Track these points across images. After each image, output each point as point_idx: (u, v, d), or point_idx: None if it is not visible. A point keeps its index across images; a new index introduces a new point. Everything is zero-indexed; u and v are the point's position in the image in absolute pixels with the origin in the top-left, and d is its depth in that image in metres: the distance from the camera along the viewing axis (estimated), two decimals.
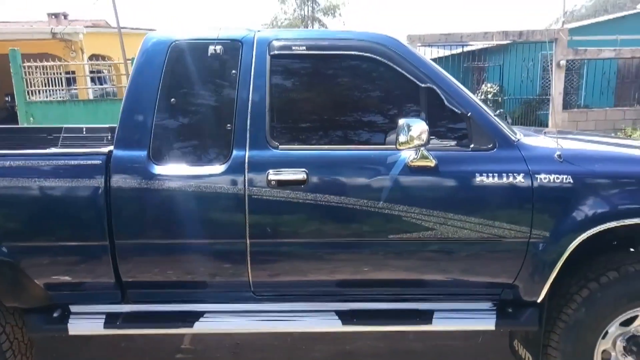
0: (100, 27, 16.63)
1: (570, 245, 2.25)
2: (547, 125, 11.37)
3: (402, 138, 2.14)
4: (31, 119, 10.35)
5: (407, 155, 2.26)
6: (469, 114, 2.33)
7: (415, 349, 3.33)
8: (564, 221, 2.25)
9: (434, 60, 13.31)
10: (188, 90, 2.41)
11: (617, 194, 2.27)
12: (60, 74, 11.34)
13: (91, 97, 11.94)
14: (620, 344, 2.40)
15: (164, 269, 2.38)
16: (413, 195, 2.27)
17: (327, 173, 2.28)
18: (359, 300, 2.48)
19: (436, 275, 2.41)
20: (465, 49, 12.87)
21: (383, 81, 2.46)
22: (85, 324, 2.43)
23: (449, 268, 2.39)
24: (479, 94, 13.42)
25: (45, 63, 10.76)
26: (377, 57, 2.36)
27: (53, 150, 2.42)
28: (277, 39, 2.42)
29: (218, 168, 2.28)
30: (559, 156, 2.30)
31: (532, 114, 12.71)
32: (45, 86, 11.04)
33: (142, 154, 2.29)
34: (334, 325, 2.42)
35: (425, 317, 2.42)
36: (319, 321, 2.43)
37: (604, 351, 2.42)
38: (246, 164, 2.27)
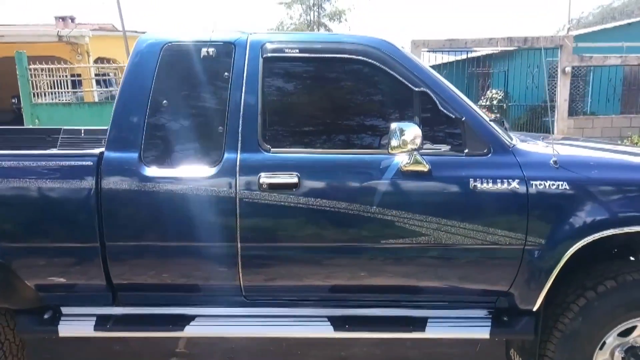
0: (107, 30, 16.78)
1: (567, 253, 2.21)
2: (552, 132, 11.30)
3: (394, 142, 2.12)
4: (37, 121, 10.42)
5: (401, 159, 2.24)
6: (463, 119, 2.30)
7: (411, 357, 3.29)
8: (560, 228, 2.21)
9: (439, 65, 13.34)
10: (180, 92, 2.40)
11: (614, 201, 2.23)
12: (66, 76, 11.42)
13: (97, 99, 12.01)
14: (618, 355, 2.35)
15: (154, 271, 2.36)
16: (406, 200, 2.24)
17: (319, 177, 2.26)
18: (351, 306, 2.45)
19: (429, 282, 2.37)
20: (470, 55, 12.83)
21: (377, 85, 2.44)
22: (76, 326, 2.42)
23: (442, 275, 2.35)
24: (484, 100, 13.38)
25: (51, 65, 10.84)
26: (371, 61, 2.34)
27: (44, 151, 2.41)
28: (270, 42, 2.41)
29: (209, 170, 2.26)
30: (555, 162, 2.26)
31: (538, 121, 12.63)
32: (51, 88, 11.12)
33: (134, 155, 2.28)
34: (326, 331, 2.39)
35: (419, 324, 2.39)
36: (311, 327, 2.41)
37: None
38: (238, 167, 2.25)
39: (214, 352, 3.35)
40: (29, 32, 14.02)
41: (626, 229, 2.22)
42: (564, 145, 2.75)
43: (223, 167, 2.26)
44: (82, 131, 3.80)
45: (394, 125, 2.13)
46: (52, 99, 11.11)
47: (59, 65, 11.15)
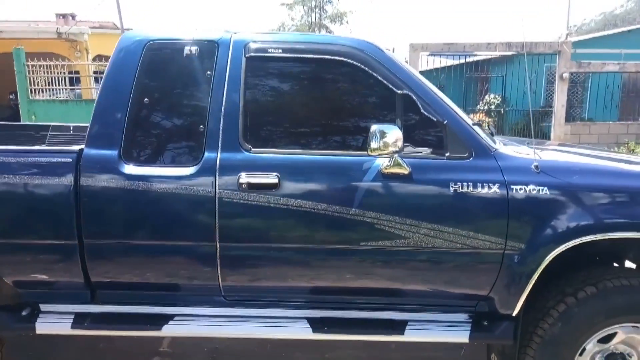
0: (108, 28, 16.78)
1: (546, 258, 2.20)
2: (549, 138, 11.30)
3: (373, 144, 2.11)
4: (33, 117, 10.42)
5: (382, 162, 2.23)
6: (445, 122, 2.29)
7: (395, 359, 3.27)
8: (540, 234, 2.20)
9: (437, 69, 13.32)
10: (162, 90, 2.39)
11: (594, 207, 2.22)
12: (64, 73, 11.42)
13: (94, 97, 12.00)
14: None
15: (133, 270, 2.35)
16: (386, 202, 2.23)
17: (299, 178, 2.25)
18: (331, 308, 2.44)
19: (409, 285, 2.36)
20: (470, 59, 12.83)
21: (359, 86, 2.43)
22: (53, 323, 2.41)
23: (422, 278, 2.34)
24: (483, 105, 13.37)
25: (49, 62, 10.84)
26: (354, 62, 2.34)
27: (24, 147, 2.40)
28: (254, 41, 2.40)
29: (189, 169, 2.26)
30: (536, 167, 2.25)
31: (535, 126, 12.62)
32: (49, 85, 11.12)
33: (113, 153, 2.27)
34: (304, 333, 2.39)
35: (398, 327, 2.38)
36: (290, 328, 2.40)
37: None
38: (218, 166, 2.24)
39: (198, 352, 3.32)
40: (28, 29, 14.04)
41: (606, 235, 2.21)
42: (548, 151, 2.75)
43: (203, 166, 2.25)
44: (71, 128, 3.79)
45: (374, 127, 2.12)
46: (50, 96, 11.11)
47: (56, 62, 11.15)
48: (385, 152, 2.12)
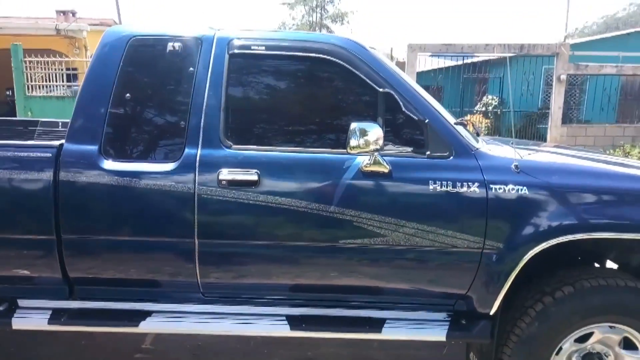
0: (108, 25, 16.76)
1: (524, 258, 2.20)
2: (546, 139, 11.29)
3: (353, 142, 2.11)
4: (29, 113, 10.42)
5: (362, 160, 2.23)
6: (426, 121, 2.29)
7: (378, 358, 3.28)
8: (518, 233, 2.20)
9: (435, 70, 13.32)
10: (144, 86, 2.39)
11: (572, 207, 2.22)
12: (62, 70, 11.42)
13: None
14: None
15: (111, 266, 2.35)
16: (365, 200, 2.24)
17: (279, 175, 2.25)
18: (309, 306, 2.43)
19: (388, 283, 2.37)
20: (468, 60, 12.83)
21: (342, 84, 2.43)
22: (30, 319, 2.40)
23: (401, 276, 2.35)
24: (481, 106, 13.38)
25: (46, 58, 10.85)
26: (336, 60, 2.34)
27: (3, 141, 2.40)
28: (238, 38, 2.40)
29: (169, 165, 2.26)
30: (516, 167, 2.26)
31: (533, 128, 12.64)
32: (46, 82, 11.12)
33: (94, 148, 2.27)
34: (283, 330, 2.38)
35: (376, 325, 2.38)
36: (268, 325, 2.39)
37: None
38: (197, 163, 2.24)
39: (180, 348, 3.33)
40: (27, 25, 14.03)
41: (585, 236, 2.21)
42: (530, 151, 2.74)
43: (183, 162, 2.25)
44: (60, 124, 3.80)
45: (353, 125, 2.12)
46: (47, 92, 11.11)
47: (54, 59, 11.15)
48: (366, 150, 2.12)
